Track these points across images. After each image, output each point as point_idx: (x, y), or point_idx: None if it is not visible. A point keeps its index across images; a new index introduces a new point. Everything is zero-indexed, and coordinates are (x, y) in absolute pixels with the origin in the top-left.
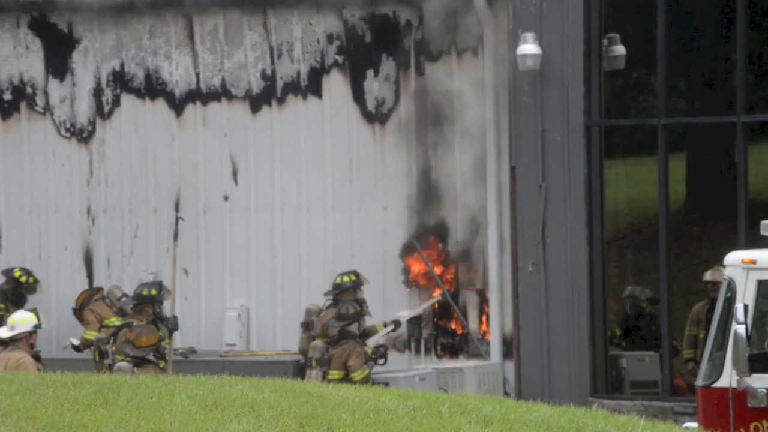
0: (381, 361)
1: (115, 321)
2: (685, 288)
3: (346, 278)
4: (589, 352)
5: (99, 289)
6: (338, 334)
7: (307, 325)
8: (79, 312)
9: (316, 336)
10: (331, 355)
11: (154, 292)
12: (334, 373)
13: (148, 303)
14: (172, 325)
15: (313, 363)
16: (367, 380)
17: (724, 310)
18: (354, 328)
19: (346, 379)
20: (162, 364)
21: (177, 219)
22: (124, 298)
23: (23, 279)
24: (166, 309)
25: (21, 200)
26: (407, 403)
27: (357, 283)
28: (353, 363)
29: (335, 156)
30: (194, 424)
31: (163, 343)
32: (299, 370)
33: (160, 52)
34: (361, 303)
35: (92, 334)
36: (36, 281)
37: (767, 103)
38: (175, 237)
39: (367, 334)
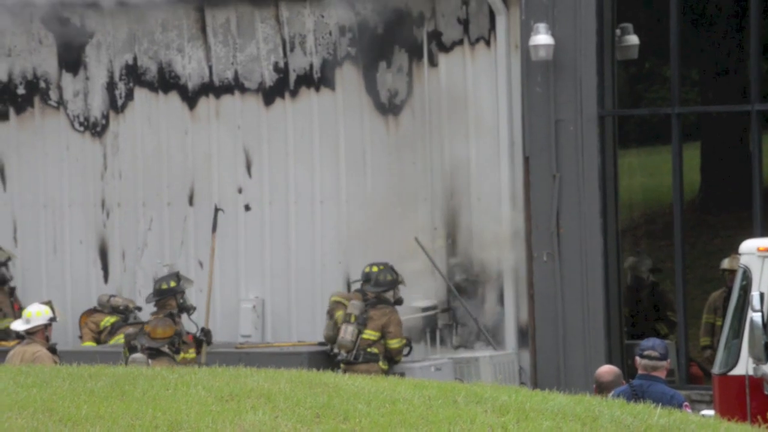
0: (406, 350)
1: (110, 319)
2: (700, 277)
3: (375, 268)
4: (604, 340)
5: (92, 309)
6: (374, 298)
7: (332, 312)
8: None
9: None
10: (370, 316)
11: (173, 284)
12: (371, 333)
13: (170, 296)
14: (209, 339)
15: (352, 319)
16: (401, 351)
17: (740, 298)
18: (389, 295)
19: (382, 342)
20: (183, 356)
21: (216, 211)
22: (112, 298)
23: None
24: (195, 299)
25: (35, 194)
26: (423, 392)
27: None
28: (393, 330)
29: (348, 148)
30: (210, 415)
31: (188, 338)
32: (316, 360)
33: (172, 45)
34: (397, 271)
35: (88, 345)
36: None
37: None
38: (214, 228)
39: (399, 302)
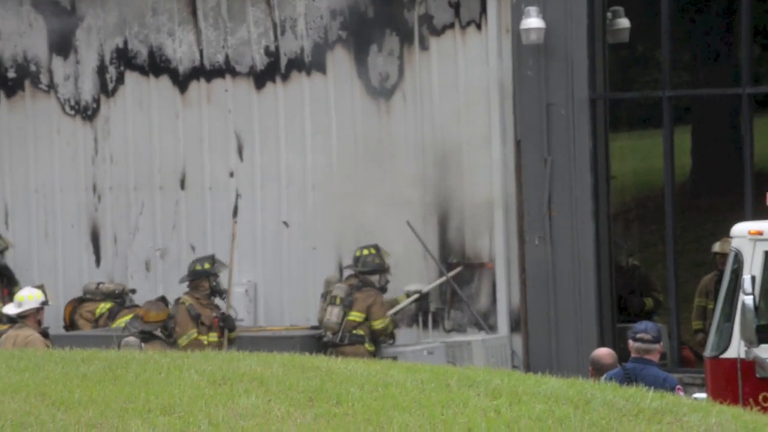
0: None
1: (106, 305)
2: (692, 260)
3: (365, 251)
4: (596, 324)
5: (79, 298)
6: (359, 281)
7: (326, 295)
8: (71, 325)
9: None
10: (355, 298)
11: (207, 266)
12: (356, 315)
13: (203, 277)
14: (230, 326)
15: (337, 301)
16: (385, 330)
17: (732, 281)
18: (375, 279)
19: (367, 324)
20: (196, 337)
21: (237, 196)
22: (101, 285)
23: None
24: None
25: (27, 179)
26: (416, 376)
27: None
28: (376, 311)
29: (340, 132)
30: (203, 399)
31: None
32: (309, 343)
33: (163, 29)
34: (384, 256)
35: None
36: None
37: None
38: (235, 213)
39: (385, 289)
